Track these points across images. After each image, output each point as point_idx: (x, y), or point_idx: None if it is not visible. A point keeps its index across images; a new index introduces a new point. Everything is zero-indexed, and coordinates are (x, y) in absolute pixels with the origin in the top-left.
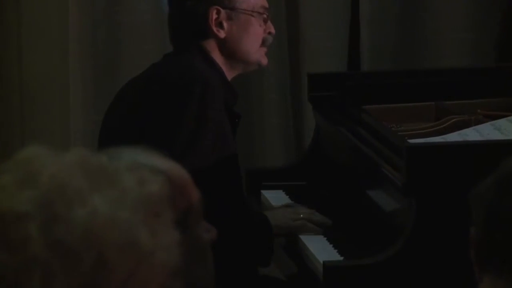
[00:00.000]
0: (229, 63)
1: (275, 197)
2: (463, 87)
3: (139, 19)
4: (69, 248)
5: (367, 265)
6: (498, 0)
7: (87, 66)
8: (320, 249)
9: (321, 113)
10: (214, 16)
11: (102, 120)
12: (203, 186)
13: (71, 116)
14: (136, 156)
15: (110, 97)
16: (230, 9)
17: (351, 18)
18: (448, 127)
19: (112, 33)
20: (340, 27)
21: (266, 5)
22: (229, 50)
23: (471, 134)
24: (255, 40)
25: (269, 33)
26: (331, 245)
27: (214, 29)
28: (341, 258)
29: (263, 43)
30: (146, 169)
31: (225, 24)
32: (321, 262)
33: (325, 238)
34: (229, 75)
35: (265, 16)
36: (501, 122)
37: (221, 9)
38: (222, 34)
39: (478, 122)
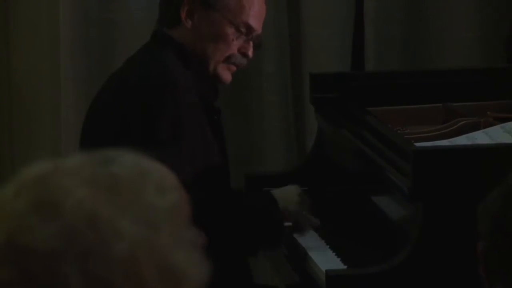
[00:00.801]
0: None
1: None
2: (472, 88)
3: (133, 17)
4: (112, 284)
5: (372, 274)
6: None
7: (79, 66)
8: (323, 257)
9: (324, 116)
10: (187, 5)
11: (82, 124)
12: (188, 191)
13: (62, 117)
14: (136, 160)
15: None
16: (208, 6)
17: (355, 16)
18: (456, 130)
19: (105, 32)
20: (343, 25)
21: (256, 28)
22: (190, 42)
23: (480, 137)
24: (219, 48)
25: (243, 53)
26: (334, 253)
27: (183, 16)
28: (345, 266)
29: (229, 58)
30: (154, 174)
31: (195, 16)
32: (324, 270)
33: (328, 246)
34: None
35: (245, 36)
36: None
37: (198, 2)
38: (188, 24)
39: (488, 125)
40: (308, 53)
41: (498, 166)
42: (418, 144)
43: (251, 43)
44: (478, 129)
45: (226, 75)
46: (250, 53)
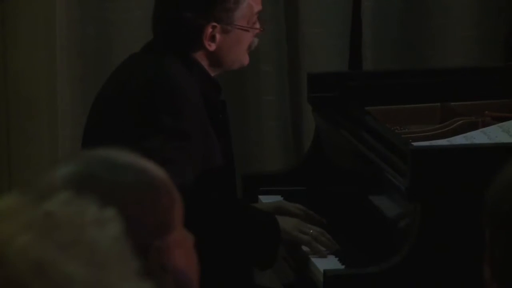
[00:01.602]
0: (211, 68)
1: None
2: (470, 88)
3: (129, 17)
4: None
5: (370, 274)
6: None
7: (76, 66)
8: (321, 257)
9: (322, 115)
10: (210, 31)
11: (85, 124)
12: (192, 193)
13: (59, 118)
14: (69, 194)
15: None
16: (227, 24)
17: (353, 14)
18: (454, 130)
19: (102, 31)
20: (341, 24)
21: (260, 7)
22: (215, 60)
23: (478, 136)
24: (243, 49)
25: (256, 34)
26: (332, 253)
27: (206, 43)
28: (342, 266)
29: (249, 47)
30: (91, 208)
31: (217, 38)
32: (322, 270)
33: None
34: (211, 73)
35: (258, 28)
36: (510, 124)
37: (218, 25)
38: (212, 47)
39: (486, 124)
40: (306, 52)
41: (496, 165)
42: (416, 144)
43: (258, 22)
44: (476, 128)
45: (246, 59)
46: (260, 29)
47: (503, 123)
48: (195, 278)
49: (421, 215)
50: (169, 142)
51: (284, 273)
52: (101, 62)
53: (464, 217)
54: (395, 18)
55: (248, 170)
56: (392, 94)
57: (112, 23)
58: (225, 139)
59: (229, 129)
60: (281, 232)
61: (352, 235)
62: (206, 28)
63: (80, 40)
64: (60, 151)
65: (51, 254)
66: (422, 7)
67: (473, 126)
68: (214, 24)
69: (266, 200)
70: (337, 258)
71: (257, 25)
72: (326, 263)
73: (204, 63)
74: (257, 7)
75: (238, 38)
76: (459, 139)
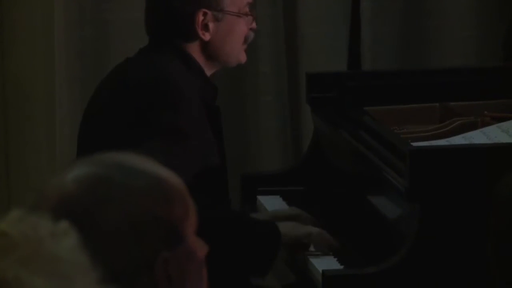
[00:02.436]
0: (209, 63)
1: (271, 203)
2: (469, 88)
3: (128, 17)
4: None
5: (369, 275)
6: None
7: (74, 66)
8: (319, 257)
9: (320, 115)
10: (201, 18)
11: (80, 124)
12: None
13: (57, 119)
14: (20, 212)
15: None
16: (218, 11)
17: (352, 14)
18: (453, 130)
19: (100, 32)
20: (340, 25)
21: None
22: (211, 52)
23: (477, 137)
24: (238, 41)
25: (251, 29)
26: (331, 254)
27: (200, 32)
28: (341, 267)
29: (245, 41)
30: (43, 223)
31: (211, 26)
32: (320, 271)
33: None
34: (208, 72)
35: (250, 15)
36: (509, 124)
37: (208, 11)
38: (207, 37)
39: (485, 124)
40: (305, 52)
41: (495, 166)
42: (415, 144)
43: (251, 16)
44: (475, 128)
45: (243, 56)
46: (255, 25)
47: (502, 123)
48: None
49: (420, 215)
50: (168, 142)
51: (283, 273)
52: (99, 63)
53: (464, 218)
54: (394, 18)
55: (247, 170)
56: (391, 94)
57: (110, 24)
58: (218, 143)
59: (222, 135)
60: (281, 237)
61: (351, 235)
62: (197, 15)
63: (78, 41)
64: (58, 152)
65: (14, 271)
66: (421, 7)
67: (472, 126)
68: (205, 10)
69: (264, 200)
70: (335, 259)
71: (251, 15)
72: (325, 264)
73: (201, 59)
74: None
75: (231, 27)
76: (458, 139)
